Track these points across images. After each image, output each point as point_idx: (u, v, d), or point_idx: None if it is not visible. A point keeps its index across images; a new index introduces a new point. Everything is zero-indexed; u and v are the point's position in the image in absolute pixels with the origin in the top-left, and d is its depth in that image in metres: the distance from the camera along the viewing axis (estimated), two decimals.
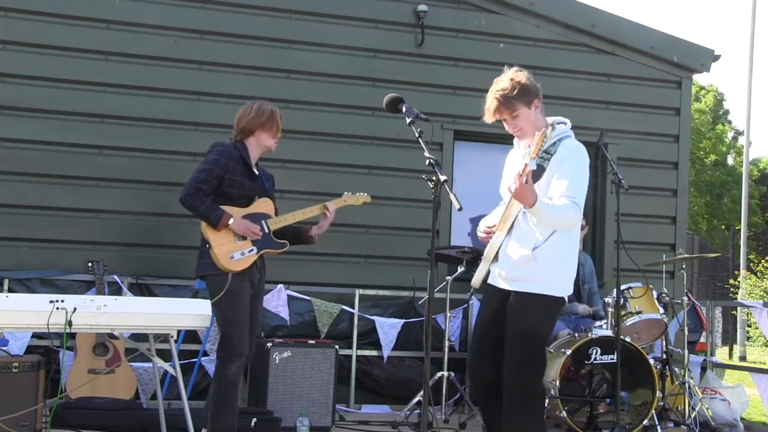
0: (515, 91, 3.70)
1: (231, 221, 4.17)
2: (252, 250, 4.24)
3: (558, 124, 3.84)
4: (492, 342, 3.75)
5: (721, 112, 31.60)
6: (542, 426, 3.74)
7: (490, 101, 3.78)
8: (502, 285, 3.74)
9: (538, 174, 3.63)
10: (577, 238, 3.86)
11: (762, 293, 14.23)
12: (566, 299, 3.78)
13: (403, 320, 6.18)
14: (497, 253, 3.77)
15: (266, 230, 4.32)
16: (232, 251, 4.18)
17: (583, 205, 3.67)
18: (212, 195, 4.21)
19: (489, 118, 3.81)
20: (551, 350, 5.49)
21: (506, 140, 6.76)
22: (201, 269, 4.26)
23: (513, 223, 3.72)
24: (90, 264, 5.55)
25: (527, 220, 3.68)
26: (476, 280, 3.91)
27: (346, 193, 4.73)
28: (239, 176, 4.27)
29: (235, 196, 4.27)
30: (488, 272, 3.85)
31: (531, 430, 3.68)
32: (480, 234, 3.91)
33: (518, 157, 3.89)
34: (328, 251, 6.07)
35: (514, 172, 3.59)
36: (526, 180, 3.47)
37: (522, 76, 3.75)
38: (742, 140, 26.17)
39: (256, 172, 4.41)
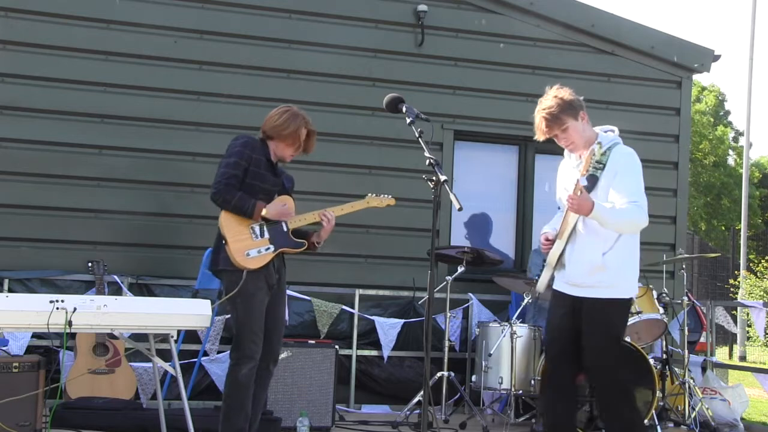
0: (560, 107, 3.89)
1: (265, 210, 4.11)
2: (269, 248, 4.15)
3: (606, 132, 4.03)
4: (566, 342, 3.99)
5: (722, 113, 31.58)
6: (638, 410, 4.10)
7: (539, 120, 3.96)
8: (572, 291, 3.96)
9: (591, 184, 3.86)
10: (638, 240, 4.03)
11: (762, 293, 14.23)
12: (634, 299, 4.07)
13: (403, 320, 6.18)
14: (560, 260, 3.99)
15: (285, 228, 4.24)
16: (248, 248, 4.09)
17: (647, 206, 3.86)
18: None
19: (540, 136, 3.99)
20: None
21: (506, 141, 6.85)
22: (215, 264, 4.18)
23: (573, 230, 3.92)
24: (90, 264, 5.55)
25: (588, 228, 3.88)
26: (540, 285, 4.15)
27: (369, 194, 4.59)
28: (263, 169, 4.19)
29: (257, 190, 4.17)
30: (552, 278, 4.07)
31: (628, 415, 3.93)
32: (541, 246, 4.12)
33: (570, 168, 4.09)
34: (328, 251, 6.05)
35: (569, 185, 3.86)
36: (579, 193, 3.68)
37: (564, 92, 3.95)
38: (742, 141, 26.16)
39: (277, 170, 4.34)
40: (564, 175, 4.14)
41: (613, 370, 3.94)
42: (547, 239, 4.07)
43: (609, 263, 3.85)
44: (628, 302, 4.01)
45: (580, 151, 3.99)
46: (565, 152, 4.12)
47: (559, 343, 4.04)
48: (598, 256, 3.86)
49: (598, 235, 3.86)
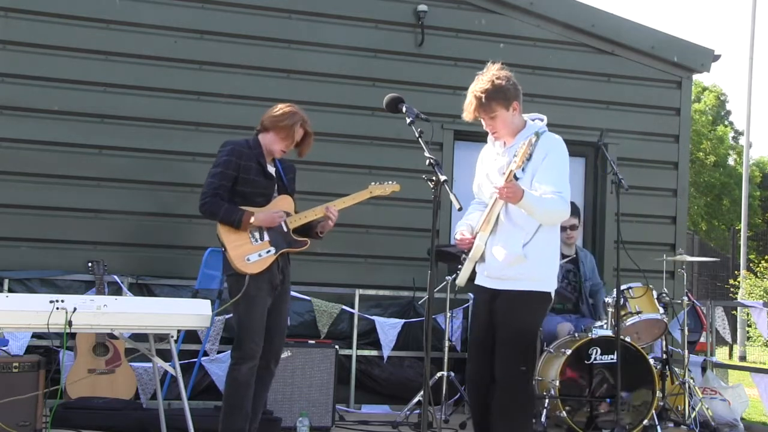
0: (495, 94, 3.72)
1: (253, 219, 4.10)
2: (270, 251, 4.15)
3: (534, 120, 3.91)
4: (491, 343, 3.80)
5: (722, 113, 31.57)
6: (531, 425, 3.85)
7: (470, 100, 3.79)
8: (492, 284, 3.80)
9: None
10: (558, 233, 3.91)
11: (762, 293, 14.22)
12: (552, 295, 3.85)
13: (403, 320, 6.18)
14: (482, 253, 3.82)
15: (285, 229, 4.24)
16: (247, 253, 4.10)
17: (569, 197, 3.74)
18: (229, 196, 4.15)
19: (468, 116, 3.83)
20: (551, 350, 5.49)
21: None
22: (224, 268, 4.25)
23: (496, 222, 3.77)
24: (90, 264, 5.55)
25: (510, 219, 3.75)
26: (461, 279, 3.96)
27: (372, 183, 4.58)
28: (253, 175, 4.19)
29: (251, 195, 4.19)
30: (474, 272, 3.90)
31: (521, 427, 3.75)
32: (456, 239, 3.94)
33: (493, 155, 3.95)
34: (328, 251, 6.07)
35: (492, 172, 3.77)
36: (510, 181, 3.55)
37: (503, 78, 3.76)
38: (742, 141, 26.15)
39: (272, 169, 4.32)
40: (487, 161, 3.98)
41: (520, 373, 3.70)
42: (463, 233, 3.88)
43: (530, 254, 3.68)
44: (548, 297, 3.80)
45: (503, 140, 3.85)
46: (489, 139, 3.97)
47: (483, 343, 3.83)
48: (518, 247, 3.69)
49: (518, 227, 3.72)
